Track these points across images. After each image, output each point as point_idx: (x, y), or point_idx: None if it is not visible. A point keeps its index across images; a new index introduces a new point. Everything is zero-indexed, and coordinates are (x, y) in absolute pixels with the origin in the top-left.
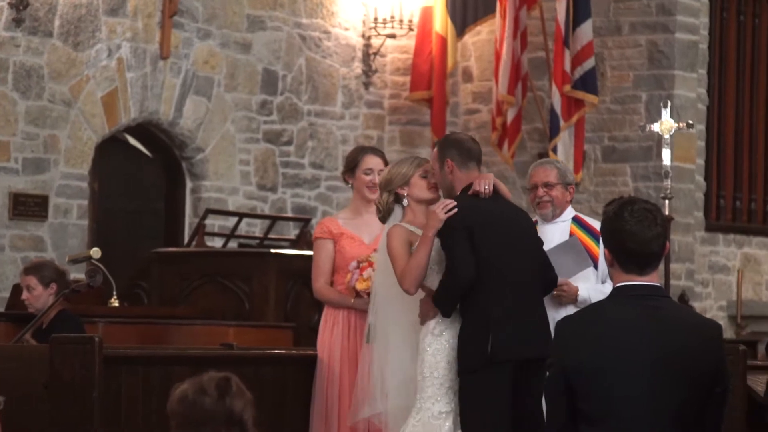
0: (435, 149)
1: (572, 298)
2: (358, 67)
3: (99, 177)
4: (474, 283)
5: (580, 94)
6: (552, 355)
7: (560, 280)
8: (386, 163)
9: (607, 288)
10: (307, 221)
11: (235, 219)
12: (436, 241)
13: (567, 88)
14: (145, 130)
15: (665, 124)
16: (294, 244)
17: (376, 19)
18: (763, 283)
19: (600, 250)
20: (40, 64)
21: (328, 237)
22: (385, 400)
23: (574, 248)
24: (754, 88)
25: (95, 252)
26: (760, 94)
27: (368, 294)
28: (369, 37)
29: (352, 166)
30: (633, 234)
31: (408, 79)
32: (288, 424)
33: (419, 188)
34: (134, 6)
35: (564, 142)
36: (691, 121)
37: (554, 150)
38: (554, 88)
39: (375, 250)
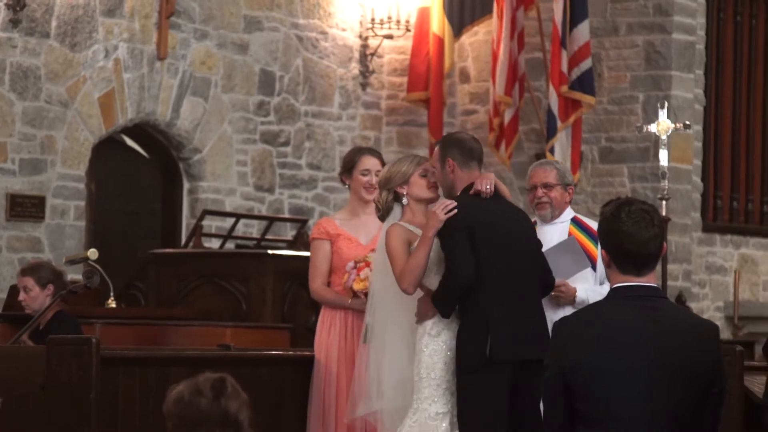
0: (436, 148)
1: (570, 299)
2: (355, 67)
3: (96, 178)
4: (474, 282)
5: (577, 95)
6: (549, 355)
7: (558, 280)
8: (383, 164)
9: (605, 289)
10: (304, 222)
11: (232, 220)
12: (436, 241)
13: (564, 88)
14: (142, 130)
15: (662, 125)
16: (291, 245)
17: (373, 19)
18: (760, 284)
19: (598, 252)
20: (37, 65)
21: (325, 238)
22: (380, 399)
23: (572, 248)
24: (751, 88)
25: (92, 253)
26: (757, 95)
27: (365, 294)
28: (366, 38)
29: (349, 166)
30: (630, 235)
31: (405, 79)
32: (285, 425)
33: (419, 187)
34: (131, 7)
35: (561, 143)
36: (688, 122)
37: (551, 151)
38: (551, 88)
39: (372, 250)
